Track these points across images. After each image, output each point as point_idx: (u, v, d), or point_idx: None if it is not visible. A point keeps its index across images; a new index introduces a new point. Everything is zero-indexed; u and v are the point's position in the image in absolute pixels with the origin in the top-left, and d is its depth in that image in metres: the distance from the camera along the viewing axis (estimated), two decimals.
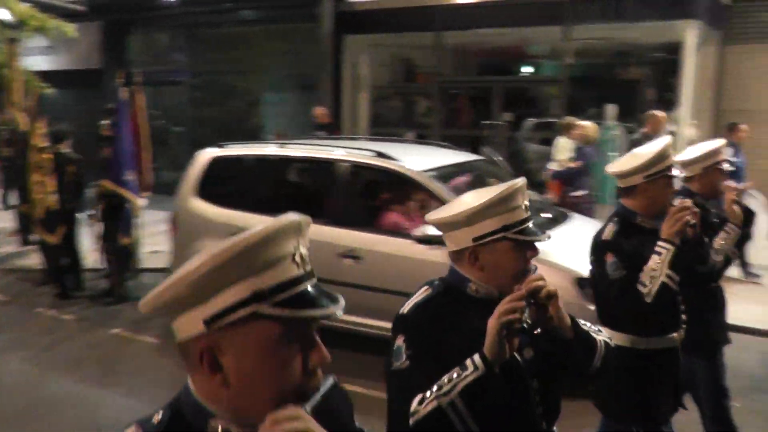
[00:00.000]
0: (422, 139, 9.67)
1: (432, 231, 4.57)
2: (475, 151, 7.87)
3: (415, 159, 5.61)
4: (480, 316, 1.79)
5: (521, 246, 1.89)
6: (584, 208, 7.34)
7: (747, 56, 10.45)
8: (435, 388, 1.74)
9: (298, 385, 1.13)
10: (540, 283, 1.77)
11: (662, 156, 2.81)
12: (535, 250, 1.92)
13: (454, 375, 1.73)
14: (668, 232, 2.67)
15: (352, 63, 11.98)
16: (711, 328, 3.41)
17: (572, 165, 7.86)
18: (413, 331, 1.89)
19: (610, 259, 2.78)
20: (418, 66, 12.80)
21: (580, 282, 4.48)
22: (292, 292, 1.10)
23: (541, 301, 1.77)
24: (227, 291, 1.08)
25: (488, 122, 11.47)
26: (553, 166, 8.17)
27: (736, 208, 3.23)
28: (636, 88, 11.47)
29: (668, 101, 9.95)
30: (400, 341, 1.88)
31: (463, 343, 1.78)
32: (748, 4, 10.33)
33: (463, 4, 10.80)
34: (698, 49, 9.43)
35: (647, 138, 7.50)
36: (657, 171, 2.80)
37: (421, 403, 1.75)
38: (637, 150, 2.94)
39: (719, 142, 3.50)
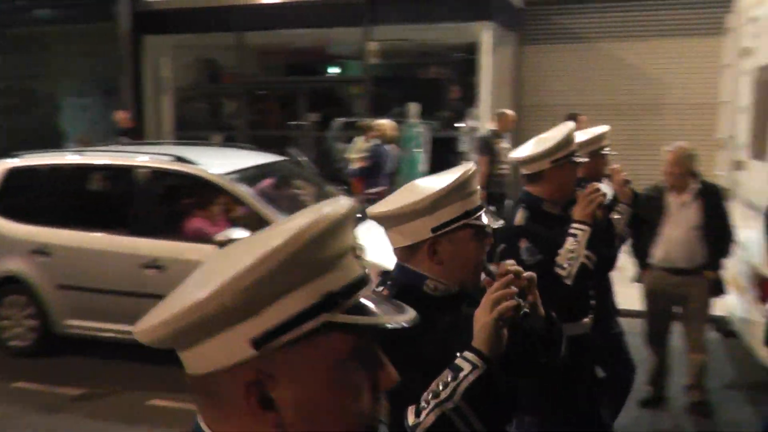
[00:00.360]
0: (230, 141, 9.53)
1: (238, 234, 4.55)
2: (282, 152, 7.90)
3: (217, 162, 5.53)
4: (441, 315, 1.70)
5: (480, 233, 1.78)
6: None
7: (542, 56, 11.34)
8: (429, 395, 1.57)
9: (369, 416, 0.88)
10: (518, 267, 1.65)
11: (568, 141, 2.77)
12: (491, 238, 1.83)
13: (449, 378, 1.57)
14: (582, 214, 2.64)
15: (153, 65, 11.48)
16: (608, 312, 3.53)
17: (363, 164, 8.10)
18: (387, 340, 1.75)
19: (524, 244, 2.68)
20: (222, 67, 12.58)
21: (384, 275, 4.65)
22: (360, 295, 0.86)
23: (521, 286, 1.64)
24: (287, 297, 0.80)
25: (295, 123, 11.56)
26: (351, 165, 8.44)
27: (626, 189, 3.36)
28: (438, 87, 12.13)
29: (469, 99, 10.58)
30: None
31: (437, 345, 1.64)
32: (540, 8, 11.26)
33: (264, 5, 10.76)
34: (495, 50, 10.03)
35: (496, 135, 7.91)
36: (563, 156, 2.75)
37: (418, 414, 1.57)
38: (542, 135, 2.86)
39: (603, 128, 3.62)
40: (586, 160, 3.03)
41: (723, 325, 5.34)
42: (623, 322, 6.17)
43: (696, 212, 4.30)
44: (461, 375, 1.55)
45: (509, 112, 8.20)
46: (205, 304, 0.77)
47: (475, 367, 1.54)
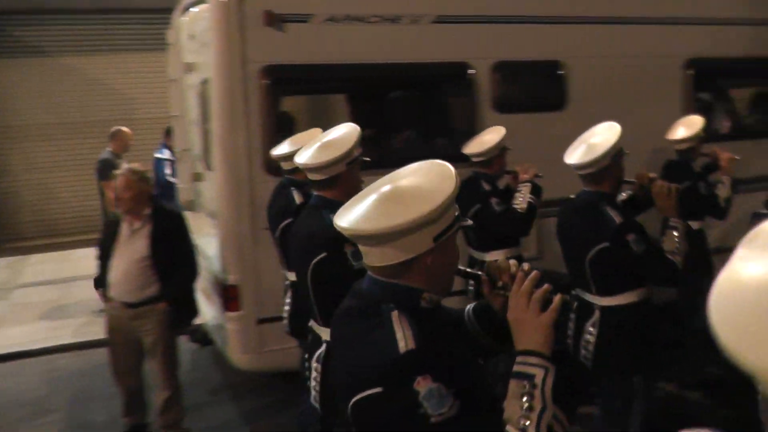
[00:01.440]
0: None
1: None
2: None
3: None
4: (442, 326, 1.65)
5: (456, 235, 1.67)
6: None
7: (16, 71, 10.11)
8: (520, 413, 1.47)
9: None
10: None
11: (358, 142, 2.81)
12: None
13: (526, 388, 1.49)
14: None
15: None
16: None
17: None
18: (437, 366, 1.45)
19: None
20: None
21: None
22: None
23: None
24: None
25: None
26: None
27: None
28: None
29: None
30: (426, 383, 1.40)
31: (465, 359, 1.63)
32: (5, 19, 9.97)
33: None
34: None
35: (117, 156, 7.10)
36: (355, 157, 2.80)
37: None
38: (327, 140, 2.81)
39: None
40: (368, 159, 3.01)
41: (200, 335, 5.44)
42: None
43: (145, 240, 4.04)
44: (538, 381, 1.50)
45: (125, 129, 7.37)
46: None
47: (546, 370, 1.52)
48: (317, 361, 2.83)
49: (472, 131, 4.56)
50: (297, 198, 3.58)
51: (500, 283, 1.77)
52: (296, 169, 3.44)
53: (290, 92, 5.20)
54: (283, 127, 4.44)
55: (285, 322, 3.89)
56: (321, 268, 2.70)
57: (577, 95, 5.12)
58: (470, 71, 4.83)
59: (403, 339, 1.47)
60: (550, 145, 3.91)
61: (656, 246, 3.14)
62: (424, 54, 4.68)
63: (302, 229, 2.90)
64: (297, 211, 3.36)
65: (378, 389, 1.44)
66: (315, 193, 2.89)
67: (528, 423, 1.47)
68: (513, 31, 4.95)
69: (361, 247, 1.64)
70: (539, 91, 5.35)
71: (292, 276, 3.64)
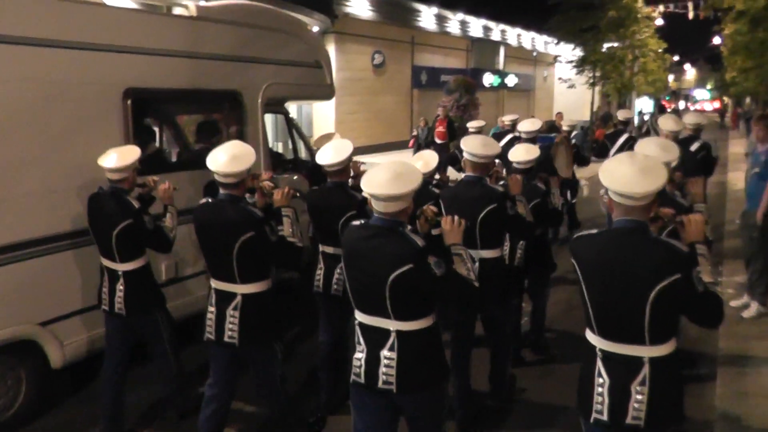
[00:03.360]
0: None
1: None
2: None
3: None
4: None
5: None
6: None
7: None
8: (462, 269, 3.22)
9: None
10: None
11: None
12: None
13: (460, 261, 3.25)
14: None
15: None
16: None
17: None
18: (433, 250, 3.10)
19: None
20: None
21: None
22: None
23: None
24: None
25: None
26: None
27: None
28: None
29: None
30: (433, 259, 3.01)
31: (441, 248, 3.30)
32: None
33: None
34: None
35: None
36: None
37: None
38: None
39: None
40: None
41: None
42: None
43: None
44: (464, 253, 3.31)
45: None
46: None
47: (465, 249, 3.33)
48: (234, 309, 3.95)
49: None
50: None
51: (427, 218, 3.46)
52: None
53: None
54: None
55: None
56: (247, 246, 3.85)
57: None
58: None
59: (419, 240, 3.03)
60: None
61: None
62: None
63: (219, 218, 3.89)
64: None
65: (410, 266, 2.97)
66: (224, 191, 3.93)
67: (469, 270, 3.21)
68: None
69: (377, 201, 3.07)
70: None
71: None
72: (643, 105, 47.02)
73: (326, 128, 23.17)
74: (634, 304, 2.79)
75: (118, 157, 4.44)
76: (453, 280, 3.12)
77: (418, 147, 18.06)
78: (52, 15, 4.78)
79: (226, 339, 3.96)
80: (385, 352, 3.12)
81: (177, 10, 6.13)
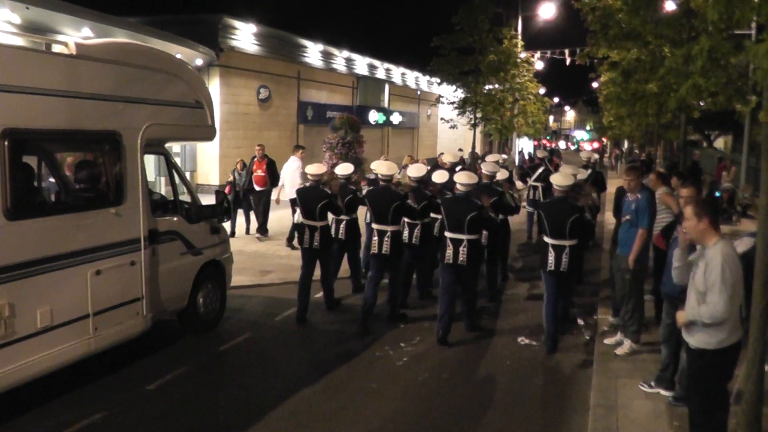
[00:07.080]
0: None
1: None
2: None
3: None
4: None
5: None
6: None
7: None
8: None
9: None
10: None
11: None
12: None
13: None
14: None
15: None
16: None
17: None
18: (484, 207, 8.34)
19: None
20: None
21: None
22: None
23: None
24: None
25: None
26: None
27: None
28: None
29: None
30: (488, 210, 8.55)
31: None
32: None
33: None
34: None
35: None
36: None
37: None
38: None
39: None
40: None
41: None
42: None
43: None
44: None
45: None
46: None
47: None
48: (388, 237, 8.54)
49: None
50: None
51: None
52: None
53: None
54: None
55: None
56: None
57: None
58: None
59: (480, 201, 8.23)
60: None
61: None
62: None
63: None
64: None
65: (476, 213, 7.98)
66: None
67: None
68: None
69: (461, 185, 8.19)
70: None
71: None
72: (524, 145, 49.70)
73: (210, 163, 23.00)
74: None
75: None
76: (491, 220, 8.60)
77: (236, 195, 14.62)
78: None
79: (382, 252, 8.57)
80: (461, 249, 7.96)
81: (56, 48, 6.14)
